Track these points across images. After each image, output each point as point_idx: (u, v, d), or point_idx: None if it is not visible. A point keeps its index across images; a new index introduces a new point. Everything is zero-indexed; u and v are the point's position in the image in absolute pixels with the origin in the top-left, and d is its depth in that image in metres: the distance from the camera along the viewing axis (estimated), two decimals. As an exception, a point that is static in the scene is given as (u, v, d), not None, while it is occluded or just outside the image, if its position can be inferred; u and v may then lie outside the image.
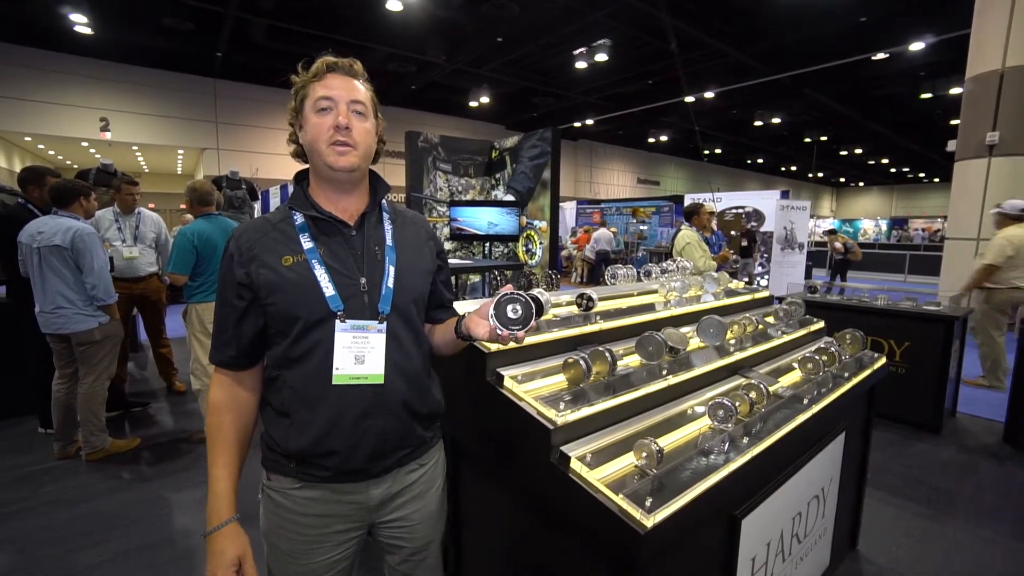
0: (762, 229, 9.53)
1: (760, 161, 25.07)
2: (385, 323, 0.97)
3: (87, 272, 2.73)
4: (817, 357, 1.69)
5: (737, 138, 18.95)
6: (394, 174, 13.29)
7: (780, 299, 2.43)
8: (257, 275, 0.92)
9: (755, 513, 1.29)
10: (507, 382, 1.20)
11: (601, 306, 1.69)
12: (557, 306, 1.66)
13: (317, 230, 0.97)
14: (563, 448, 1.06)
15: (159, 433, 3.44)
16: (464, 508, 1.44)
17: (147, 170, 17.00)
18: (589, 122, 16.05)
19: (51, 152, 14.16)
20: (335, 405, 0.93)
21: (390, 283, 0.99)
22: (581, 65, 10.39)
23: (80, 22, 8.02)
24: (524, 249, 6.82)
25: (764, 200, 9.48)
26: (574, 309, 1.63)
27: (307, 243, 0.95)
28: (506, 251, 7.00)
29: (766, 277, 9.32)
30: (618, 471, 1.03)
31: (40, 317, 2.77)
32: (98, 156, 13.06)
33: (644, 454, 1.03)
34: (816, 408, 1.48)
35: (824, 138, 18.41)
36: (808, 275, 9.61)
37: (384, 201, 1.09)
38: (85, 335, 2.80)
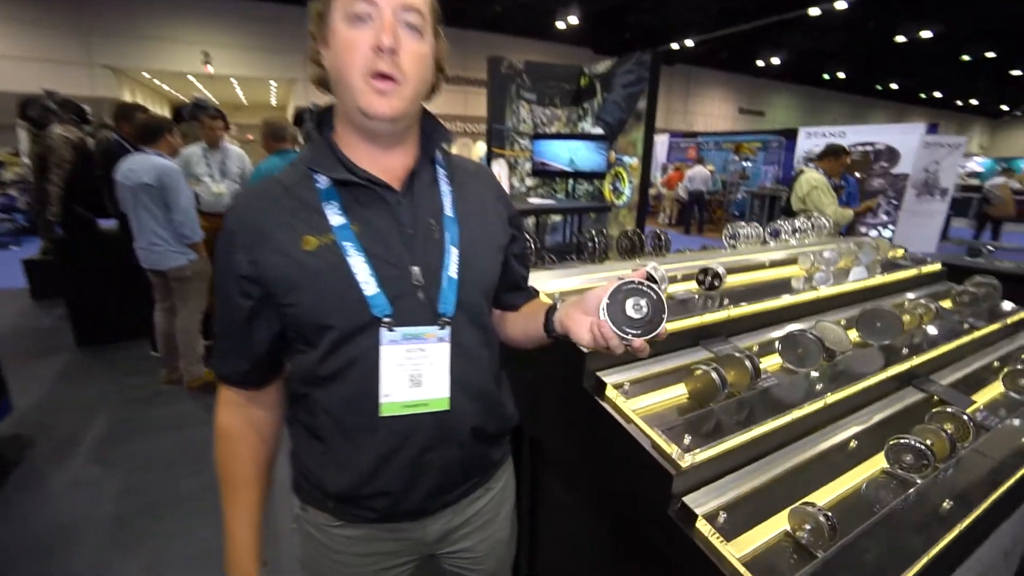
0: (894, 171, 8.09)
1: (894, 87, 21.18)
2: (448, 328, 0.71)
3: (174, 210, 2.75)
4: (1031, 367, 1.24)
5: (869, 58, 15.99)
6: (476, 103, 12.76)
7: (948, 267, 1.88)
8: (267, 264, 0.67)
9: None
10: (610, 393, 0.93)
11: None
12: (672, 281, 1.32)
13: (350, 197, 0.69)
14: (686, 500, 0.79)
15: (251, 364, 3.62)
16: (545, 522, 1.24)
17: (246, 103, 17.78)
18: (688, 43, 14.19)
19: (165, 87, 15.11)
20: (385, 440, 0.71)
21: (453, 271, 0.72)
22: (688, -28, 8.96)
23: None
24: (611, 188, 6.28)
25: (903, 135, 7.94)
26: (692, 286, 1.29)
27: (337, 217, 0.68)
28: (591, 190, 6.51)
29: (890, 227, 7.99)
30: (765, 543, 0.74)
31: (139, 252, 2.87)
32: (206, 91, 13.78)
33: (807, 526, 0.73)
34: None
35: (991, 54, 14.96)
36: (946, 229, 8.13)
37: (438, 152, 0.78)
38: (178, 271, 2.88)
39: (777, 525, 0.77)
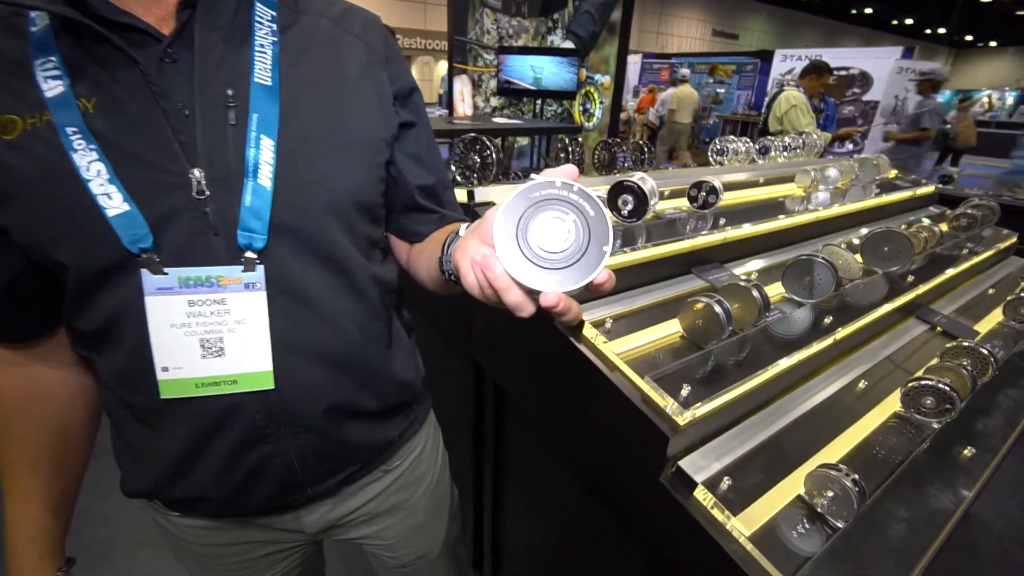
0: (866, 97, 7.95)
1: (868, 11, 20.61)
2: (261, 268, 0.47)
3: None
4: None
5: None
6: (437, 18, 11.59)
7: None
8: None
9: None
10: (588, 333, 0.75)
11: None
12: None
13: (79, 52, 0.42)
14: (682, 464, 0.63)
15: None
16: (512, 487, 1.10)
17: None
18: (667, -50, 13.12)
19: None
20: (182, 430, 0.50)
21: (264, 177, 0.46)
22: None
23: None
24: (581, 109, 5.90)
25: (878, 60, 7.73)
26: (683, 204, 1.10)
27: (54, 85, 0.41)
28: (560, 111, 6.09)
29: (854, 157, 7.98)
30: (776, 515, 0.61)
31: None
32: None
33: (829, 492, 0.60)
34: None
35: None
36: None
37: None
38: None
39: (787, 490, 0.64)
